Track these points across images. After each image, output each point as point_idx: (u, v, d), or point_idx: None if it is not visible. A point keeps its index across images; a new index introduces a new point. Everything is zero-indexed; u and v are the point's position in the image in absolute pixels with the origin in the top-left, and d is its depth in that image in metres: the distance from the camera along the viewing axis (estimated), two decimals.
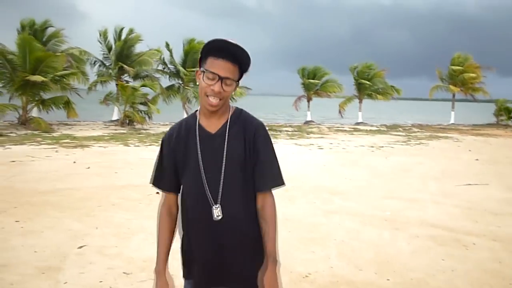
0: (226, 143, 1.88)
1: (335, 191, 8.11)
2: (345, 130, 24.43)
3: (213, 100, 1.84)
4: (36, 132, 17.40)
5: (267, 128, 1.99)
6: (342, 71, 35.32)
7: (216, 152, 1.89)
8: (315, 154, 13.75)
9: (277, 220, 1.94)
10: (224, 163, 1.86)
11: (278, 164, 1.97)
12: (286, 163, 11.43)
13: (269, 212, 1.91)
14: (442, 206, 7.15)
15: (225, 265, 1.90)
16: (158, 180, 2.01)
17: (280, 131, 22.45)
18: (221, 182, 1.86)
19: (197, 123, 1.94)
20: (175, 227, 2.04)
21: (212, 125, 1.93)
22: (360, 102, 31.37)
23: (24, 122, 19.80)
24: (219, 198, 1.87)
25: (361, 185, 8.83)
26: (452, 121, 32.82)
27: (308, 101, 30.61)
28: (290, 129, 24.36)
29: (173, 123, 2.09)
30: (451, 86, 31.97)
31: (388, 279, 4.22)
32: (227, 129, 1.91)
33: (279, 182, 1.95)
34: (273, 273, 1.85)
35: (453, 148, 16.65)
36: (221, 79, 1.80)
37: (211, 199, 1.87)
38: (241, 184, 1.88)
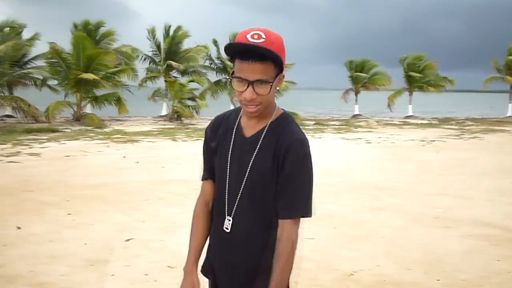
0: (255, 153, 1.67)
1: (383, 187, 7.88)
2: (394, 124, 23.79)
3: (250, 108, 1.62)
4: (89, 128, 18.08)
5: (307, 144, 1.66)
6: (391, 63, 34.32)
7: (243, 160, 1.68)
8: (363, 149, 13.46)
9: (293, 257, 1.61)
10: (246, 175, 1.67)
11: (308, 191, 1.65)
12: (332, 158, 11.28)
13: (281, 246, 1.59)
14: (498, 204, 6.78)
15: (231, 278, 1.76)
16: (203, 173, 1.87)
17: (327, 125, 22.16)
18: (239, 194, 1.69)
19: (237, 121, 1.76)
20: (210, 220, 1.83)
21: (250, 128, 1.71)
22: (410, 94, 30.40)
23: (79, 118, 20.63)
24: (234, 210, 1.70)
25: (410, 181, 8.53)
26: (509, 114, 31.16)
27: (356, 95, 30.01)
28: (337, 123, 24.00)
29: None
30: (508, 77, 30.34)
31: (438, 280, 4.03)
32: (262, 137, 1.67)
33: (302, 212, 1.63)
34: None
35: (510, 142, 15.81)
36: (251, 83, 1.56)
37: (227, 208, 1.72)
38: (259, 202, 1.68)
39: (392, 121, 26.22)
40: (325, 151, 12.41)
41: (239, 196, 1.68)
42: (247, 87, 1.56)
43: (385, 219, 5.95)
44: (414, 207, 6.57)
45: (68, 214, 5.93)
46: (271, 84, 1.57)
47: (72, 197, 6.78)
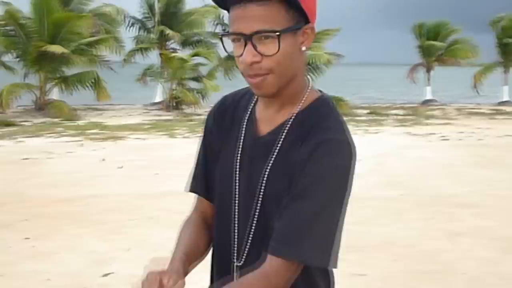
0: (271, 163, 1.41)
1: (465, 204, 7.78)
2: (483, 113, 23.51)
3: (254, 79, 1.36)
4: (56, 120, 18.39)
5: (344, 151, 1.36)
6: (478, 27, 33.93)
7: (254, 172, 1.44)
8: (437, 148, 13.35)
9: None
10: (260, 198, 1.42)
11: (325, 224, 1.33)
12: (393, 162, 11.20)
13: (252, 277, 1.34)
14: None
15: None
16: (193, 180, 1.69)
17: (387, 114, 22.02)
18: (252, 228, 1.45)
19: (250, 110, 1.54)
20: (208, 238, 1.60)
21: (266, 120, 1.48)
22: (506, 72, 29.90)
23: (42, 107, 20.95)
24: (244, 253, 1.47)
25: (505, 194, 8.42)
26: None
27: (428, 72, 29.71)
28: (400, 112, 23.83)
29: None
30: None
31: None
32: (282, 137, 1.42)
33: (303, 255, 1.32)
34: None
35: None
36: (248, 38, 1.32)
37: (233, 250, 1.49)
38: None
39: (480, 109, 25.92)
40: (383, 152, 12.32)
41: (251, 231, 1.45)
42: (244, 46, 1.34)
43: (468, 248, 5.88)
44: (508, 231, 6.48)
45: (26, 238, 6.02)
46: (278, 34, 1.31)
47: (31, 216, 6.89)
